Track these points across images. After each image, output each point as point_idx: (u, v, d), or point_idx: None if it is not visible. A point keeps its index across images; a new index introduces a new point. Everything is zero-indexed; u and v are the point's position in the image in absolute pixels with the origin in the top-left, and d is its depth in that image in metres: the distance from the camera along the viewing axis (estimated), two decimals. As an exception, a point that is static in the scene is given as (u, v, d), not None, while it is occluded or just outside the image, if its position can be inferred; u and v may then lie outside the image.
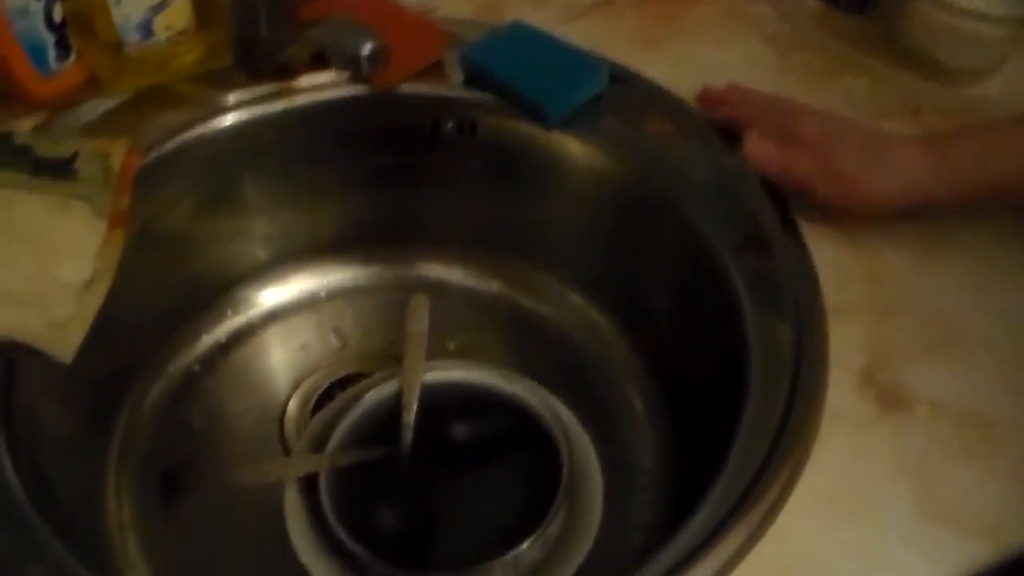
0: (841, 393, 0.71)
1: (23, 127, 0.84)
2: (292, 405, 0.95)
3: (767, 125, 0.85)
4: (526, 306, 1.02)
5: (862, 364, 0.73)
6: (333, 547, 0.75)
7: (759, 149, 0.84)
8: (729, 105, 0.88)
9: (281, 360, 0.99)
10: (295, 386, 0.96)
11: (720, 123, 0.88)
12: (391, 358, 0.95)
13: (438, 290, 1.00)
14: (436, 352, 0.87)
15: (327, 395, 0.95)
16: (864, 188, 0.80)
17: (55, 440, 0.78)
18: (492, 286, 1.03)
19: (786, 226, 0.81)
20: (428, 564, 0.76)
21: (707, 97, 0.90)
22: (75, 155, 0.80)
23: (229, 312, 0.99)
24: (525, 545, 0.72)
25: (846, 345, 0.74)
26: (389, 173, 0.97)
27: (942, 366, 0.74)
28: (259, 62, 0.87)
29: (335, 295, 1.03)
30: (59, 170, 0.79)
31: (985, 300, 0.78)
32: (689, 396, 0.89)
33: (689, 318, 0.88)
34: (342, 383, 0.96)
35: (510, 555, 0.72)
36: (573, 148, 0.89)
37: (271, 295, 1.01)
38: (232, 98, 0.88)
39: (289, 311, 1.01)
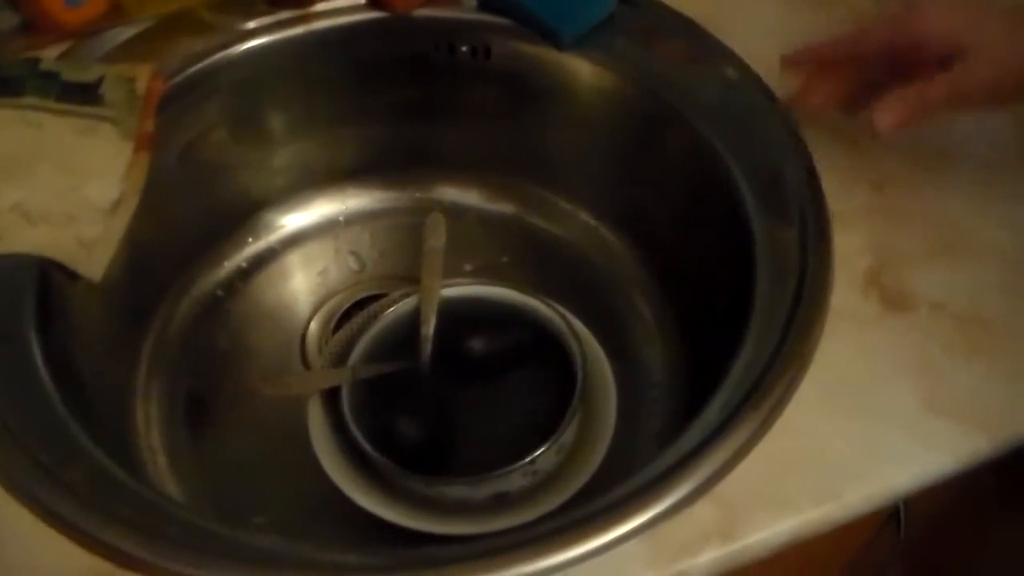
0: (845, 294, 0.73)
1: (49, 54, 0.85)
2: (313, 326, 0.97)
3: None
4: (539, 226, 1.03)
5: (866, 267, 0.75)
6: (356, 458, 0.78)
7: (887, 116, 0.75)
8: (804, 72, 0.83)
9: (301, 283, 1.01)
10: (316, 308, 0.99)
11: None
12: (409, 280, 0.96)
13: (453, 213, 1.01)
14: (452, 273, 0.90)
15: (347, 316, 0.97)
16: None
17: (88, 360, 0.80)
18: (506, 208, 1.04)
19: (792, 138, 0.82)
20: (448, 471, 0.78)
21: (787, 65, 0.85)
22: (100, 79, 0.82)
23: (250, 238, 1.01)
24: (541, 451, 0.74)
25: (850, 249, 0.75)
26: (405, 98, 0.98)
27: (945, 270, 0.75)
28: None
29: (353, 220, 1.04)
30: (85, 94, 0.81)
31: (989, 208, 0.79)
32: (699, 307, 0.91)
33: (697, 231, 0.90)
34: (361, 304, 0.97)
35: (526, 460, 0.74)
36: (584, 70, 0.90)
37: (291, 221, 1.03)
38: (252, 24, 0.89)
39: (309, 236, 1.03)
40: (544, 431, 0.75)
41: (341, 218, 1.04)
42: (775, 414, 0.67)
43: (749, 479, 0.64)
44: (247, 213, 1.01)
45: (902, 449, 0.66)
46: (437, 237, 0.86)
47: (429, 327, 0.82)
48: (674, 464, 0.64)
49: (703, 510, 0.63)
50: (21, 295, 0.73)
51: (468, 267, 1.00)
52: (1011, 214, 0.79)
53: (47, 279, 0.75)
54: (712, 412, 0.67)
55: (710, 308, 0.85)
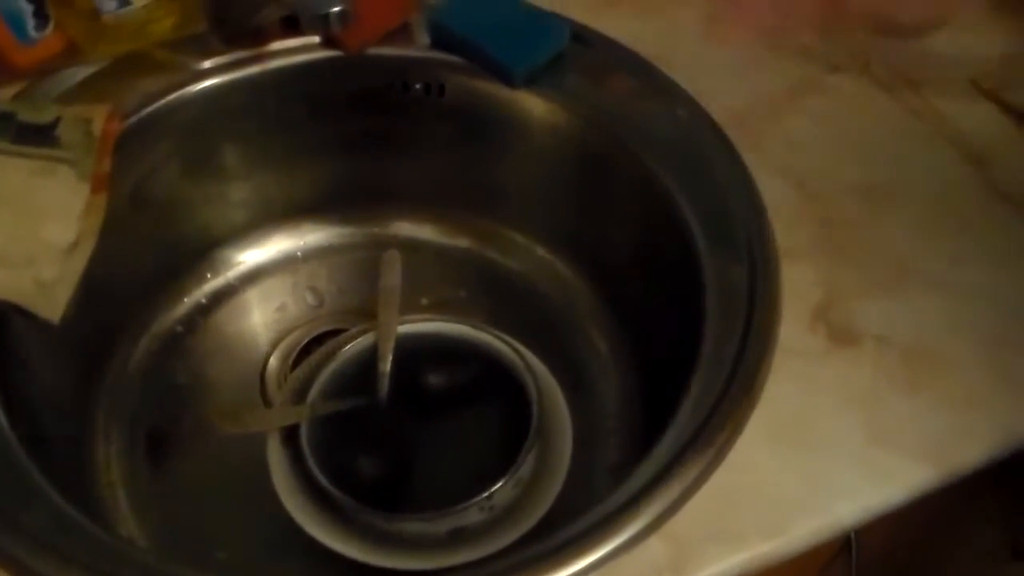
0: (793, 330, 0.74)
1: (4, 95, 0.86)
2: (272, 362, 0.97)
3: None
4: (495, 261, 1.04)
5: (813, 303, 0.76)
6: (315, 494, 0.78)
7: None
8: None
9: (260, 319, 1.01)
10: (275, 344, 0.99)
11: None
12: (366, 315, 0.96)
13: (410, 248, 1.02)
14: (409, 308, 0.90)
15: (306, 351, 0.97)
16: None
17: (45, 400, 0.80)
18: (462, 243, 1.05)
19: (741, 175, 0.83)
20: (406, 507, 0.79)
21: None
22: (57, 120, 0.82)
23: (208, 274, 1.01)
24: (497, 486, 0.75)
25: (798, 285, 0.77)
26: (360, 135, 0.99)
27: (890, 304, 0.77)
28: (232, 27, 0.89)
29: (311, 255, 1.05)
30: (41, 135, 0.81)
31: (933, 243, 0.81)
32: (652, 340, 0.92)
33: (649, 266, 0.91)
34: (320, 340, 0.98)
35: (483, 496, 0.75)
36: (537, 106, 0.91)
37: (249, 256, 1.03)
38: (207, 64, 0.90)
39: (267, 272, 1.03)
40: (501, 466, 0.76)
41: (299, 253, 1.05)
42: (724, 450, 0.68)
43: (699, 515, 0.65)
44: (205, 249, 1.02)
45: (849, 482, 0.68)
46: (393, 274, 0.87)
47: (386, 364, 0.83)
48: (626, 501, 0.65)
49: (655, 546, 0.64)
50: (-22, 338, 0.73)
51: (424, 301, 1.01)
52: (954, 248, 0.80)
53: (4, 321, 0.76)
54: (663, 449, 0.68)
55: (663, 341, 0.86)
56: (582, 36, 0.93)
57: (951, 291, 0.78)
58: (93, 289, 0.80)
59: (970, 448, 0.70)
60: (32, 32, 0.86)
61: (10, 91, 0.87)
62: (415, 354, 0.84)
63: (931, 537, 0.94)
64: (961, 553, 0.95)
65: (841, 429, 0.70)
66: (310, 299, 1.02)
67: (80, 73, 0.88)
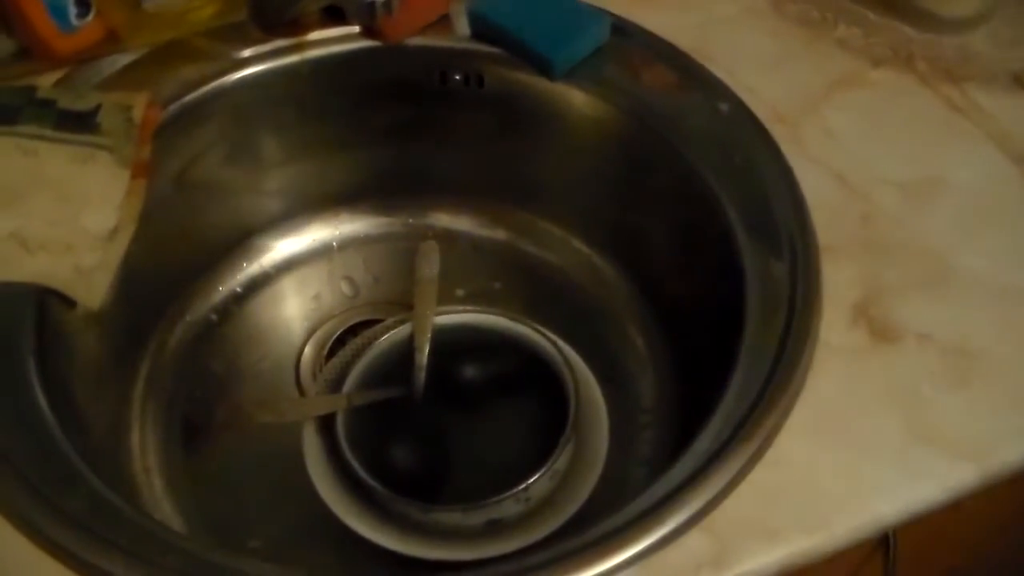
0: (834, 327, 0.74)
1: (45, 82, 0.86)
2: (307, 351, 0.98)
3: None
4: (531, 253, 1.04)
5: (854, 299, 0.76)
6: (351, 484, 0.78)
7: None
8: None
9: (295, 308, 1.01)
10: (310, 333, 0.99)
11: None
12: (402, 305, 0.97)
13: (446, 239, 1.02)
14: (445, 299, 0.90)
15: (340, 342, 0.97)
16: None
17: (83, 386, 0.80)
18: (498, 234, 1.05)
19: (781, 170, 0.83)
20: (441, 498, 0.79)
21: None
22: (97, 107, 0.83)
23: (244, 263, 1.02)
24: (533, 479, 0.75)
25: (838, 281, 0.76)
26: (398, 125, 0.99)
27: (932, 301, 0.76)
28: (272, 16, 0.90)
29: (347, 245, 1.05)
30: (82, 122, 0.82)
31: (974, 240, 0.80)
32: (690, 336, 0.91)
33: (688, 261, 0.91)
34: (355, 330, 0.98)
35: (519, 488, 0.75)
36: (576, 98, 0.91)
37: (285, 245, 1.03)
38: (247, 52, 0.90)
39: (302, 261, 1.03)
40: (537, 458, 0.76)
41: (334, 243, 1.05)
42: (766, 445, 0.67)
43: (740, 510, 0.65)
44: (241, 237, 1.02)
45: (889, 480, 0.67)
46: (430, 266, 0.87)
47: (423, 355, 0.82)
48: (667, 495, 0.65)
49: (695, 540, 0.63)
50: (19, 323, 0.73)
51: (460, 292, 1.01)
52: (995, 246, 0.80)
53: (45, 307, 0.75)
54: (703, 443, 0.68)
55: (701, 336, 0.86)
56: (622, 29, 0.93)
57: (993, 289, 0.77)
58: (131, 276, 0.81)
59: (1012, 449, 0.70)
60: (74, 20, 0.86)
61: (51, 78, 0.87)
62: (451, 345, 0.84)
63: (971, 537, 0.93)
64: (1002, 555, 0.94)
65: (882, 427, 0.69)
66: (346, 289, 1.02)
67: (121, 61, 0.89)
